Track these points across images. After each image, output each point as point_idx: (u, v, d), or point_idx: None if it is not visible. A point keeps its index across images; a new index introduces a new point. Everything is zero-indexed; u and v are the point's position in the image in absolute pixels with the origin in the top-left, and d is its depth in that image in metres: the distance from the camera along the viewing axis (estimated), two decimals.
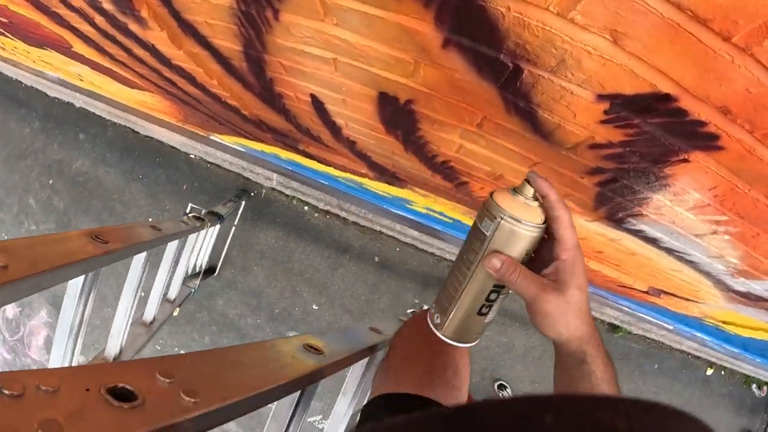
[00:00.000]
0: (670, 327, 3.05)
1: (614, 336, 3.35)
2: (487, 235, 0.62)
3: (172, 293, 2.07)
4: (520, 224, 0.61)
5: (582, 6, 0.49)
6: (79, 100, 3.76)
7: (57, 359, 1.38)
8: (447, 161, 1.21)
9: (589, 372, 0.62)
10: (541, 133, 0.81)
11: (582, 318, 0.62)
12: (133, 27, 1.06)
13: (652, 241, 1.17)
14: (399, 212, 2.77)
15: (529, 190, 0.62)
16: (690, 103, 0.57)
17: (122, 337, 1.59)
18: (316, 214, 3.25)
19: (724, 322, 2.09)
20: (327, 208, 3.13)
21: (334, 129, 1.33)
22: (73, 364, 1.40)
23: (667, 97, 0.57)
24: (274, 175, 3.02)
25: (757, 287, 1.22)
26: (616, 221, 1.11)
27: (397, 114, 1.00)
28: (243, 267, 3.41)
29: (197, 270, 2.60)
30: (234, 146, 2.75)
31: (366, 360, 1.13)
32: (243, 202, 3.17)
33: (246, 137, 2.29)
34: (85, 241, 1.17)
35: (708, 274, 1.28)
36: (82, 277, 1.26)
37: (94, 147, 3.87)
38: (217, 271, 3.26)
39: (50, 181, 4.00)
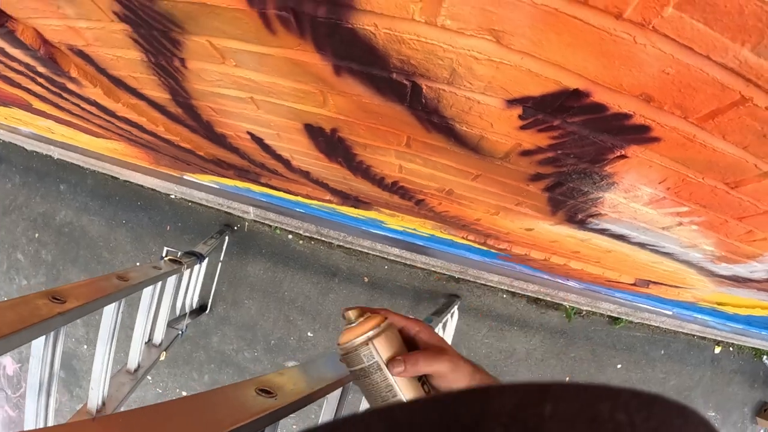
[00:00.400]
0: (669, 312, 2.97)
1: (615, 328, 3.26)
2: (376, 360, 0.65)
3: (157, 337, 2.01)
4: (379, 329, 0.65)
5: (446, 9, 0.45)
6: (55, 152, 3.76)
7: (31, 420, 1.36)
8: (395, 182, 1.17)
9: None
10: (468, 147, 0.76)
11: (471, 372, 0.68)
12: (71, 86, 1.06)
13: (621, 238, 1.12)
14: (377, 232, 2.72)
15: (350, 318, 0.67)
16: (605, 96, 0.52)
17: (102, 388, 1.54)
18: (301, 242, 3.21)
19: (719, 304, 2.02)
20: (308, 234, 3.09)
21: (284, 161, 1.30)
22: (48, 424, 1.38)
23: (577, 93, 0.53)
24: (251, 209, 3.00)
25: (741, 270, 1.16)
26: (578, 222, 1.06)
27: (329, 143, 0.96)
28: (234, 301, 3.37)
29: (186, 310, 2.55)
30: (208, 184, 2.73)
31: (340, 390, 1.09)
32: (226, 238, 3.13)
33: (215, 174, 2.27)
34: (42, 302, 1.20)
35: (689, 263, 1.22)
36: (42, 338, 1.25)
37: (75, 196, 3.86)
38: (208, 309, 3.22)
39: (36, 235, 3.99)
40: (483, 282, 3.02)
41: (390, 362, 0.64)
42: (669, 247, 1.08)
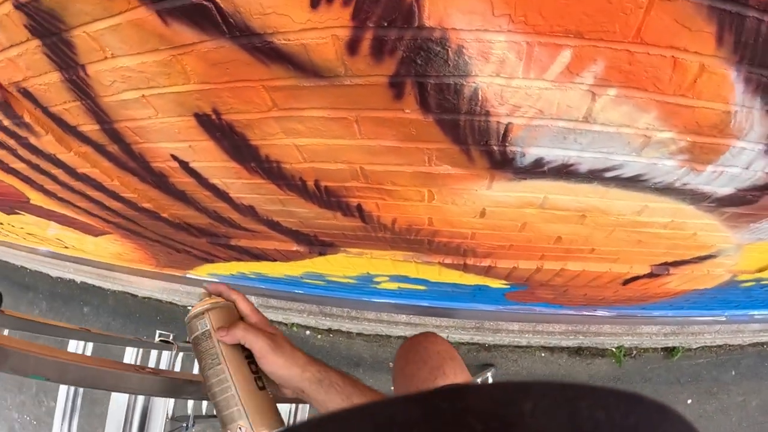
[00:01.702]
0: (723, 318, 2.53)
1: (673, 360, 2.83)
2: (208, 328, 0.73)
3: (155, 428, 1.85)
4: (219, 305, 0.76)
5: None
6: (73, 272, 4.06)
7: None
8: (317, 183, 1.18)
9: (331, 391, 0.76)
10: (308, 70, 0.77)
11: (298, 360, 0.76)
12: (32, 140, 1.22)
13: (571, 173, 0.99)
14: (376, 299, 2.62)
15: (200, 296, 0.80)
16: None
17: None
18: (319, 336, 3.11)
19: (760, 270, 1.69)
20: (325, 324, 3.00)
21: (225, 196, 1.34)
22: None
23: None
24: (253, 298, 2.97)
25: (733, 168, 0.94)
26: (506, 162, 0.97)
27: (226, 136, 1.01)
28: None
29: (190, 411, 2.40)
30: (208, 279, 2.78)
31: None
32: None
33: (205, 260, 2.32)
34: None
35: (674, 191, 1.04)
36: None
37: (98, 317, 4.08)
38: None
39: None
40: (513, 343, 2.75)
41: (217, 329, 0.72)
42: (626, 161, 0.93)
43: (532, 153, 0.93)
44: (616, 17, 0.61)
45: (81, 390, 1.50)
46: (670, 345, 2.84)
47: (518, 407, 0.20)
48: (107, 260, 3.12)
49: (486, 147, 0.92)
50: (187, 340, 0.77)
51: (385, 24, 0.65)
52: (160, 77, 0.85)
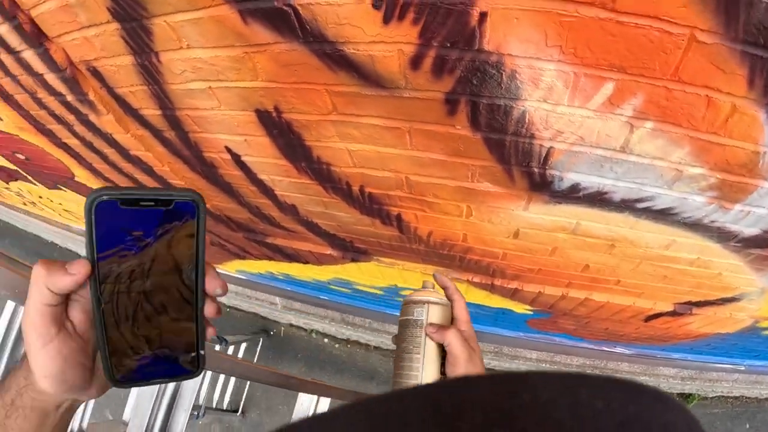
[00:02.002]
0: (742, 367, 2.46)
1: (689, 407, 2.71)
2: (422, 319, 0.76)
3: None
4: (440, 302, 0.77)
5: None
6: None
7: None
8: (362, 188, 1.23)
9: None
10: (372, 79, 0.84)
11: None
12: (92, 117, 1.29)
13: (604, 201, 1.03)
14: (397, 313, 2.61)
15: (427, 283, 0.80)
16: None
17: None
18: (337, 345, 3.13)
19: None
20: (344, 334, 3.02)
21: (269, 193, 1.39)
22: None
23: None
24: (278, 299, 3.02)
25: (760, 209, 0.96)
26: (543, 185, 1.02)
27: (283, 134, 1.08)
28: (268, 407, 3.19)
29: (201, 403, 2.44)
30: (236, 275, 2.84)
31: None
32: (261, 340, 3.11)
33: (237, 256, 2.38)
34: None
35: (702, 228, 1.07)
36: None
37: None
38: (240, 412, 3.06)
39: None
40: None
41: (430, 324, 0.74)
42: (656, 193, 0.97)
43: (570, 178, 0.98)
44: (656, 55, 0.66)
45: None
46: (686, 391, 2.77)
47: (518, 398, 0.20)
48: None
49: (527, 168, 0.97)
50: (400, 317, 0.78)
51: (448, 45, 0.72)
52: (230, 71, 0.92)
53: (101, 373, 0.48)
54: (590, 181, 0.98)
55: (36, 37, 1.01)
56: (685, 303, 1.63)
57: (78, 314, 0.46)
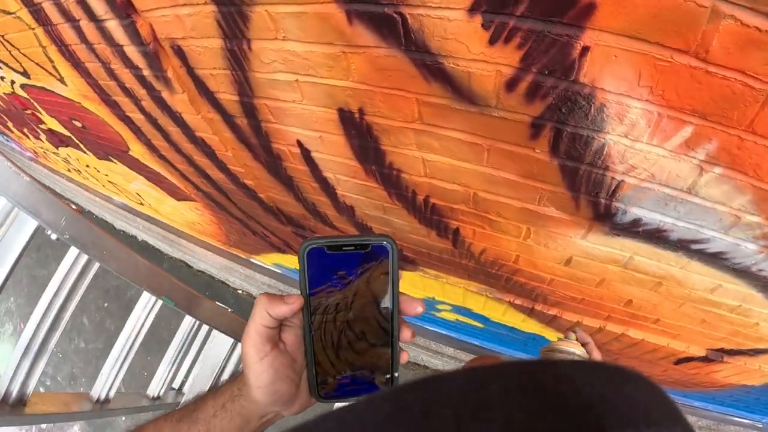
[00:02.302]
0: (760, 425, 2.39)
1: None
2: None
3: (187, 388, 1.96)
4: (582, 357, 0.76)
5: None
6: (141, 228, 4.16)
7: None
8: (427, 198, 1.26)
9: None
10: (464, 95, 0.88)
11: None
12: (165, 95, 1.33)
13: (661, 239, 1.06)
14: (430, 327, 2.64)
15: (573, 336, 0.79)
16: None
17: (111, 380, 1.49)
18: None
19: None
20: None
21: (330, 191, 1.44)
22: None
23: None
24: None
25: None
26: (606, 216, 1.04)
27: (360, 136, 1.12)
28: None
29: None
30: (272, 268, 2.88)
31: None
32: None
33: (278, 250, 2.43)
34: None
35: (749, 276, 1.08)
36: None
37: None
38: None
39: (105, 305, 4.29)
40: None
41: None
42: (712, 236, 0.99)
43: (633, 212, 1.01)
44: (736, 106, 0.69)
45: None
46: None
47: (486, 390, 0.20)
48: (178, 226, 3.29)
49: (594, 198, 1.00)
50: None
51: (546, 72, 0.76)
52: (322, 68, 0.96)
53: (305, 391, 0.58)
54: (652, 217, 1.01)
55: (124, 8, 1.04)
56: (718, 350, 1.61)
57: (290, 337, 0.56)
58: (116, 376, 1.33)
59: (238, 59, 1.06)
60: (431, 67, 0.84)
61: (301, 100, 1.09)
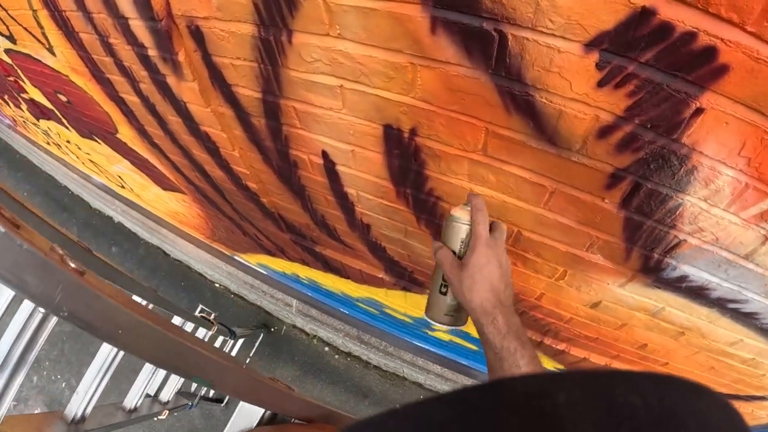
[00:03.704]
0: None
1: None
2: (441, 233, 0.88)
3: (165, 395, 1.83)
4: (451, 220, 0.85)
5: None
6: (118, 210, 3.95)
7: None
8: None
9: (486, 340, 0.76)
10: (546, 133, 0.79)
11: (473, 293, 0.77)
12: (171, 80, 1.17)
13: (701, 296, 1.02)
14: (420, 344, 2.58)
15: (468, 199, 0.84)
16: (669, 11, 0.55)
17: (87, 400, 1.32)
18: (337, 356, 3.06)
19: None
20: (348, 347, 2.95)
21: (347, 207, 1.33)
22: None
23: (645, 14, 0.56)
24: (294, 301, 2.93)
25: None
26: (654, 270, 0.99)
27: (403, 157, 1.01)
28: None
29: (199, 392, 2.38)
30: (257, 267, 2.76)
31: None
32: (261, 335, 3.04)
33: (268, 252, 2.31)
34: None
35: None
36: None
37: (124, 261, 3.99)
38: (225, 403, 2.96)
39: None
40: None
41: (435, 241, 0.88)
42: (752, 296, 0.97)
43: (683, 269, 0.96)
44: None
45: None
46: None
47: (552, 398, 0.20)
48: (160, 214, 3.09)
49: (648, 252, 0.95)
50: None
51: (649, 126, 0.69)
52: (378, 77, 0.84)
53: None
54: (699, 276, 0.97)
55: None
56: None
57: None
58: (95, 392, 1.19)
59: (271, 52, 0.91)
60: (518, 98, 0.75)
61: (340, 108, 0.97)
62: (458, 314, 0.88)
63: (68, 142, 2.76)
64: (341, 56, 0.84)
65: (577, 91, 0.69)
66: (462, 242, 0.84)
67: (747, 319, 1.06)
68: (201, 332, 2.16)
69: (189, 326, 2.10)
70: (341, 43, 0.81)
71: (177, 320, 1.94)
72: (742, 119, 0.63)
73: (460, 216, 0.84)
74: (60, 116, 2.29)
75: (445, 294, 0.87)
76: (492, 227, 0.83)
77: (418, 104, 0.86)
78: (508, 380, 0.22)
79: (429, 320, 0.91)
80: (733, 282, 0.95)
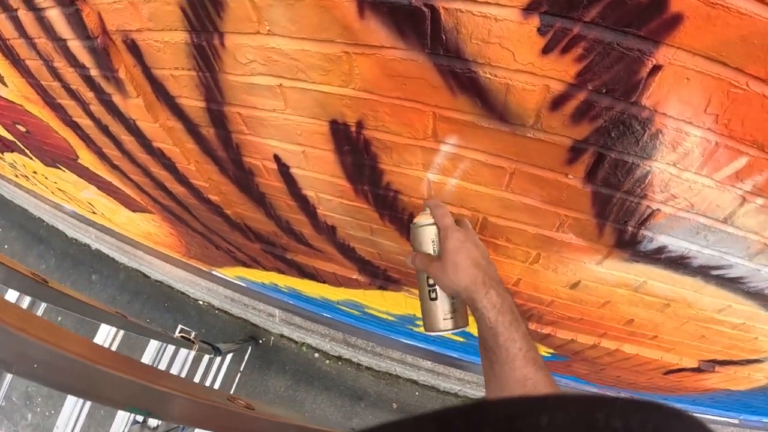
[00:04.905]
0: (735, 421, 2.51)
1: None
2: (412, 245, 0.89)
3: (153, 421, 1.74)
4: (416, 226, 0.87)
5: None
6: (93, 238, 3.88)
7: None
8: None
9: (481, 315, 0.74)
10: (496, 111, 0.73)
11: (460, 274, 0.78)
12: (117, 99, 1.11)
13: (682, 265, 0.97)
14: (407, 341, 2.54)
15: (428, 210, 0.86)
16: None
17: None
18: (327, 361, 3.02)
19: None
20: (338, 352, 2.91)
21: (309, 210, 1.28)
22: None
23: None
24: (277, 311, 2.88)
25: None
26: (630, 244, 0.94)
27: (355, 152, 0.95)
28: None
29: None
30: (235, 281, 2.70)
31: None
32: (249, 348, 2.98)
33: (243, 264, 2.25)
34: None
35: (761, 297, 1.04)
36: None
37: (105, 288, 3.94)
38: None
39: (59, 318, 3.93)
40: None
41: (409, 254, 0.89)
42: (736, 262, 0.93)
43: (660, 240, 0.92)
44: None
45: None
46: None
47: (534, 420, 0.20)
48: (134, 236, 3.03)
49: (622, 226, 0.90)
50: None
51: (604, 91, 0.64)
52: (315, 71, 0.78)
53: None
54: (678, 245, 0.93)
55: None
56: (710, 361, 1.62)
57: None
58: (74, 426, 1.11)
59: (206, 58, 0.86)
60: (461, 76, 0.69)
61: (283, 108, 0.91)
62: (456, 314, 0.86)
63: (35, 172, 2.71)
64: (275, 54, 0.78)
65: (521, 61, 0.63)
66: (433, 242, 0.85)
67: (733, 284, 1.03)
68: (183, 353, 2.09)
69: (170, 348, 2.03)
70: (273, 40, 0.76)
71: (154, 344, 1.87)
72: (704, 73, 0.58)
73: (423, 219, 0.85)
74: (22, 147, 2.24)
75: (435, 299, 0.86)
76: (456, 221, 0.83)
77: (359, 95, 0.80)
78: (491, 402, 0.22)
79: (432, 334, 0.89)
80: (713, 248, 0.91)
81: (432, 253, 0.85)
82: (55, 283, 1.34)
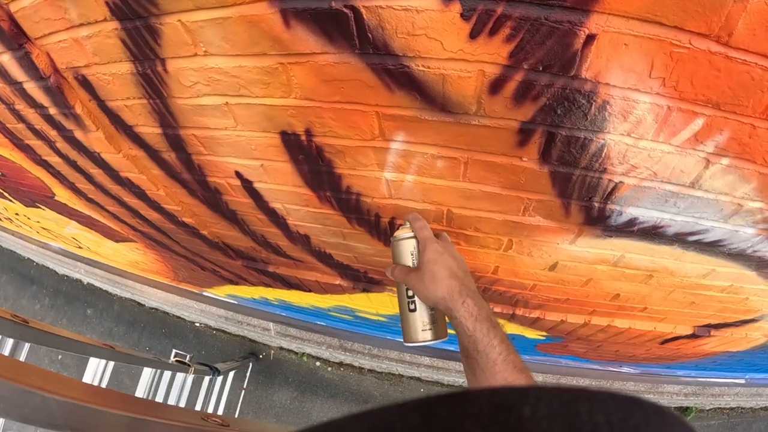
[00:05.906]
0: (742, 381, 2.51)
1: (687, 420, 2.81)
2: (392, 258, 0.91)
3: None
4: (396, 240, 0.89)
5: None
6: (83, 272, 3.87)
7: None
8: (393, 221, 1.11)
9: (459, 324, 0.76)
10: (437, 103, 0.72)
11: (437, 284, 0.80)
12: (78, 134, 1.12)
13: (657, 235, 0.96)
14: (401, 340, 2.52)
15: (408, 225, 0.89)
16: None
17: None
18: (330, 368, 3.01)
19: None
20: (338, 358, 2.89)
21: (280, 222, 1.26)
22: None
23: None
24: (271, 324, 2.86)
25: None
26: (600, 219, 0.93)
27: (309, 160, 0.94)
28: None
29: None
30: (226, 299, 2.69)
31: None
32: (250, 365, 2.96)
33: (230, 282, 2.23)
34: None
35: (743, 257, 1.02)
36: None
37: (101, 321, 3.92)
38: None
39: (59, 357, 3.94)
40: None
41: (389, 267, 0.90)
42: (712, 226, 0.91)
43: (629, 212, 0.91)
44: (753, 93, 0.61)
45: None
46: (684, 405, 2.78)
47: (517, 412, 0.20)
48: (122, 267, 3.02)
49: (587, 203, 0.88)
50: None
51: (541, 68, 0.62)
52: (256, 86, 0.78)
53: None
54: (649, 215, 0.91)
55: (15, 37, 0.86)
56: (704, 326, 1.62)
57: None
58: None
59: (153, 85, 0.86)
60: (394, 72, 0.67)
61: (234, 126, 0.90)
62: (435, 325, 0.88)
63: (17, 214, 2.73)
64: (215, 73, 0.78)
65: (450, 49, 0.62)
66: (412, 254, 0.87)
67: (712, 248, 1.01)
68: (180, 377, 2.06)
69: (167, 374, 2.00)
70: (211, 60, 0.76)
71: (148, 372, 1.84)
72: (641, 36, 0.57)
73: (403, 233, 0.88)
74: (1, 190, 2.25)
75: (414, 310, 0.88)
76: (436, 235, 0.86)
77: (302, 104, 0.79)
78: (474, 391, 0.22)
79: (411, 345, 0.91)
80: (686, 214, 0.90)
81: (411, 265, 0.87)
82: (36, 322, 1.32)
